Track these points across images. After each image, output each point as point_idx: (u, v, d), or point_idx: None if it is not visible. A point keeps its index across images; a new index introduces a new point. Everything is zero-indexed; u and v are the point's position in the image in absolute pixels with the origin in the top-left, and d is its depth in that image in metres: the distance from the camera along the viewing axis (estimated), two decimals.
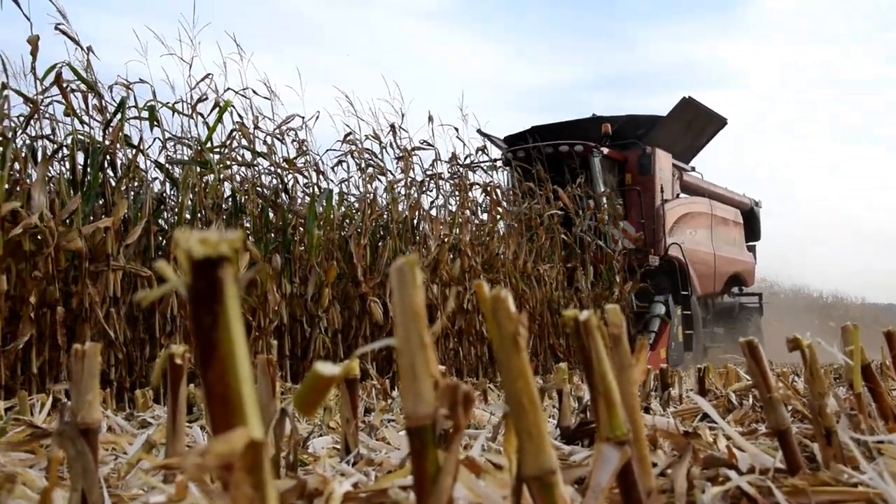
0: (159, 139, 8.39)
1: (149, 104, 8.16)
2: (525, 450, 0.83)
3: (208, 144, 8.60)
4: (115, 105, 7.75)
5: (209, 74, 8.66)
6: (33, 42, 6.98)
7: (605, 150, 15.09)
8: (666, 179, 15.62)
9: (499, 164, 13.86)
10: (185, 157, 8.40)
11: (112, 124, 7.64)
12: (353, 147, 10.35)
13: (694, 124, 16.66)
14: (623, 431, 0.98)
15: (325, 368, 0.69)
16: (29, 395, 4.71)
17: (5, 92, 6.95)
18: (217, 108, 8.72)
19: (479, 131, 13.96)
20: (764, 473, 1.44)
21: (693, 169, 17.80)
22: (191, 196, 8.11)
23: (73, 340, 6.71)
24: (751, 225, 19.44)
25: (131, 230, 7.34)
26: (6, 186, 6.74)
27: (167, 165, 8.35)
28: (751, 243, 19.49)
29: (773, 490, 1.29)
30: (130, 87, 7.95)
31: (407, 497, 1.37)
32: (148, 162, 8.27)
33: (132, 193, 7.90)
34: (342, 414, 2.05)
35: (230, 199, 8.87)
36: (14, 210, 6.46)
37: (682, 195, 16.87)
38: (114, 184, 7.64)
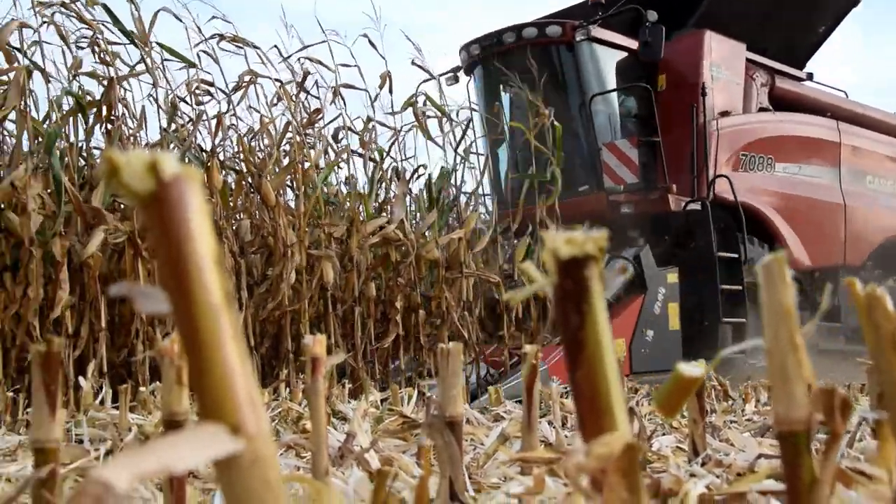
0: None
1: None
2: None
3: None
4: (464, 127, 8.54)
5: None
6: (384, 77, 7.83)
7: (615, 38, 9.25)
8: (724, 79, 9.71)
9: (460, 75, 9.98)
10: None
11: (460, 146, 8.40)
12: None
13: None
14: None
15: (688, 369, 0.68)
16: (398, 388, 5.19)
17: (371, 124, 7.85)
18: None
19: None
20: None
21: (809, 77, 11.69)
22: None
23: (433, 341, 7.50)
24: None
25: (480, 239, 8.00)
26: (376, 204, 7.80)
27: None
28: None
29: None
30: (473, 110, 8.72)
31: (767, 503, 1.31)
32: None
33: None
34: (689, 414, 2.01)
35: None
36: (381, 225, 7.35)
37: (776, 113, 10.55)
38: (465, 199, 8.49)
